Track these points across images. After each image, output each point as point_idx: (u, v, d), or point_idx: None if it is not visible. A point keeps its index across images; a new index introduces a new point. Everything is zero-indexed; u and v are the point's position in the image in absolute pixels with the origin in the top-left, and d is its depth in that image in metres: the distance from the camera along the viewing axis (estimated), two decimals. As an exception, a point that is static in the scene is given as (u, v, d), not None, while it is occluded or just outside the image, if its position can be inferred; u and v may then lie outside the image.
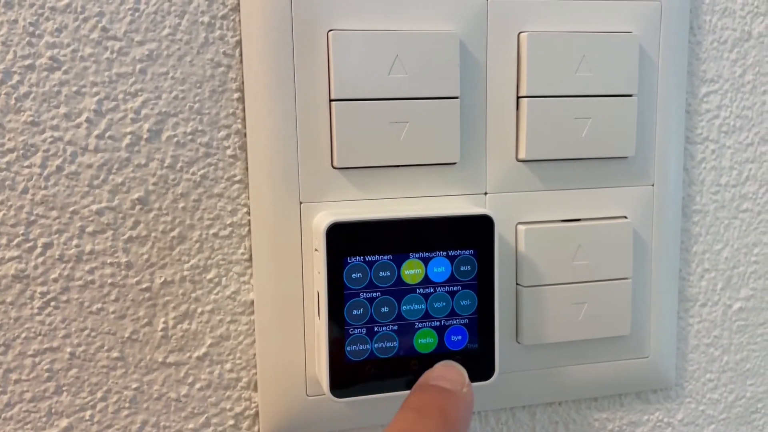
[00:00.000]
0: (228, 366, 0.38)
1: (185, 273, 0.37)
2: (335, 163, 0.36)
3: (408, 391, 0.35)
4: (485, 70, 0.37)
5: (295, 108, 0.35)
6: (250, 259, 0.37)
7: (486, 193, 0.38)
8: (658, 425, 0.46)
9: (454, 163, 0.38)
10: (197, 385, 0.38)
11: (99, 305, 0.36)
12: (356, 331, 0.34)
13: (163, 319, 0.37)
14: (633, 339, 0.42)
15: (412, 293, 0.34)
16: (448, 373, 0.33)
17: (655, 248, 0.42)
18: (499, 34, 0.37)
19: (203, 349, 0.38)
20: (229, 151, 0.36)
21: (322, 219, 0.34)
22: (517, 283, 0.39)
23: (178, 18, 0.35)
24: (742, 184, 0.45)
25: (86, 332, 0.36)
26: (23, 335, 0.35)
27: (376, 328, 0.34)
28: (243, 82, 0.36)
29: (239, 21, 0.36)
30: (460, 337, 0.35)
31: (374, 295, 0.34)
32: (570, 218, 0.40)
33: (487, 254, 0.35)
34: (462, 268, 0.35)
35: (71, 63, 0.34)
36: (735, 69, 0.44)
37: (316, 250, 0.35)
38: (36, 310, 0.35)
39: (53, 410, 0.36)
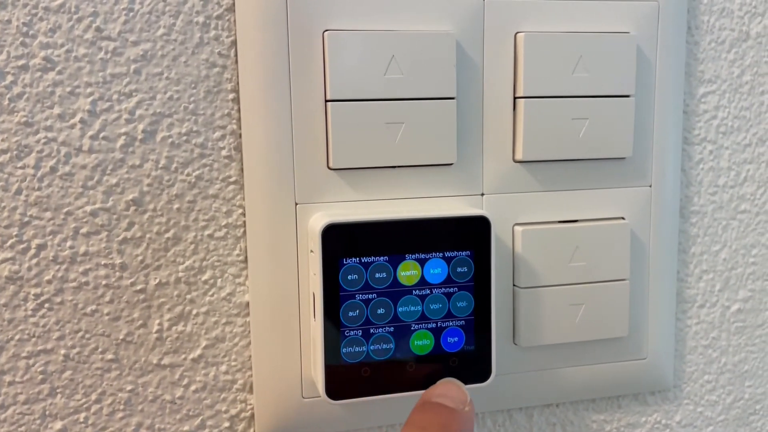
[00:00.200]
0: (223, 368, 0.38)
1: (180, 274, 0.37)
2: (331, 164, 0.36)
3: (407, 392, 0.35)
4: (482, 70, 0.37)
5: (290, 109, 0.35)
6: (245, 260, 0.37)
7: (483, 194, 0.38)
8: (656, 427, 0.46)
9: (451, 164, 0.37)
10: (192, 387, 0.38)
11: (93, 307, 0.36)
12: (352, 332, 0.34)
13: (157, 321, 0.37)
14: (631, 340, 0.42)
15: (409, 295, 0.34)
16: (449, 391, 0.33)
17: (652, 249, 0.42)
18: (495, 34, 0.37)
19: (198, 351, 0.37)
20: (224, 152, 0.36)
21: (318, 220, 0.34)
22: (514, 285, 0.39)
23: (173, 18, 0.35)
24: (740, 185, 0.45)
25: (80, 334, 0.36)
26: (17, 337, 0.35)
27: (372, 330, 0.34)
28: (238, 83, 0.36)
29: (234, 21, 0.35)
30: (456, 339, 0.35)
31: (370, 296, 0.34)
32: (567, 219, 0.40)
33: (484, 255, 0.35)
34: (458, 269, 0.35)
35: (65, 63, 0.34)
36: (733, 69, 0.44)
37: (311, 251, 0.35)
38: (30, 312, 0.35)
39: (47, 413, 0.36)
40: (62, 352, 0.36)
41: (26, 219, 0.34)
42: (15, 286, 0.35)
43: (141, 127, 0.35)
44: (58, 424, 0.36)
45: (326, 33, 0.35)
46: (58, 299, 0.35)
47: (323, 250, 0.33)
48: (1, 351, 0.35)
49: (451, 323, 0.35)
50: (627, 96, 0.39)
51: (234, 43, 0.36)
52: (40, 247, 0.35)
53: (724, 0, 0.43)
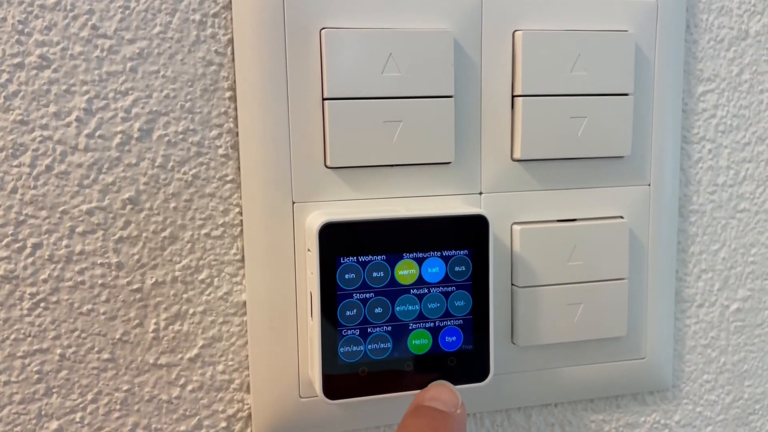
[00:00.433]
0: (220, 367, 0.38)
1: (177, 273, 0.36)
2: (328, 163, 0.35)
3: (404, 392, 0.34)
4: (480, 68, 0.37)
5: (287, 107, 0.35)
6: (242, 259, 0.37)
7: (481, 193, 0.38)
8: (655, 427, 0.46)
9: (449, 163, 0.37)
10: (189, 387, 0.37)
11: (89, 306, 0.35)
12: (349, 332, 0.34)
13: (154, 321, 0.36)
14: (629, 340, 0.42)
15: (406, 294, 0.34)
16: (441, 395, 0.33)
17: (651, 248, 0.41)
18: (493, 32, 0.37)
19: (195, 351, 0.37)
20: (220, 151, 0.36)
21: (315, 219, 0.34)
22: (512, 284, 0.39)
23: (169, 16, 0.35)
24: (740, 184, 0.45)
25: (76, 333, 0.36)
26: (12, 336, 0.35)
27: (369, 329, 0.34)
28: (235, 81, 0.35)
29: (231, 19, 0.35)
30: (454, 338, 0.35)
31: (368, 295, 0.34)
32: (566, 218, 0.39)
33: (482, 254, 0.35)
34: (456, 268, 0.35)
35: (61, 61, 0.34)
36: (732, 68, 0.43)
37: (308, 250, 0.35)
38: (25, 311, 0.35)
39: (43, 412, 0.36)
40: (58, 351, 0.35)
41: (22, 218, 0.34)
42: (10, 285, 0.34)
43: (137, 125, 0.35)
44: (54, 424, 0.36)
45: (323, 31, 0.34)
46: (54, 298, 0.35)
47: (320, 249, 0.33)
48: (-4, 350, 0.35)
49: (449, 323, 0.35)
50: (625, 94, 0.39)
51: (231, 41, 0.35)
52: (36, 246, 0.34)
53: (723, -2, 0.43)
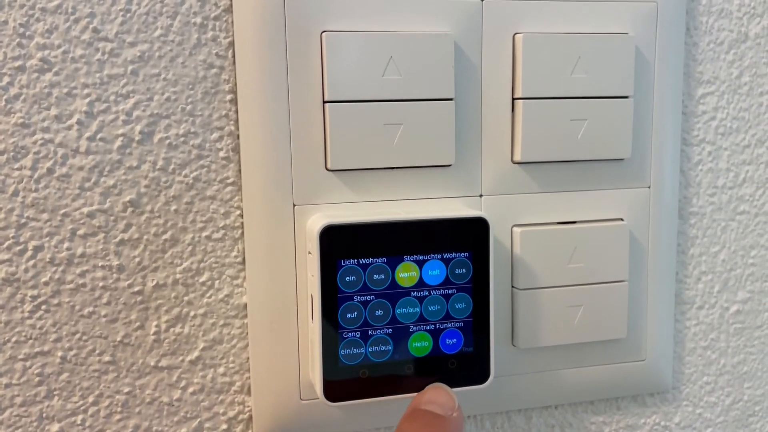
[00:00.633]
0: (221, 370, 0.38)
1: (178, 276, 0.36)
2: (329, 165, 0.35)
3: (405, 394, 0.35)
4: (480, 71, 0.37)
5: (288, 110, 0.35)
6: (243, 262, 0.37)
7: (481, 196, 0.38)
8: (655, 428, 0.46)
9: (449, 165, 0.37)
10: (190, 389, 0.38)
11: (90, 309, 0.36)
12: (350, 334, 0.34)
13: (155, 323, 0.36)
14: (629, 342, 0.42)
15: (407, 296, 0.34)
16: (438, 397, 0.33)
17: (651, 251, 0.41)
18: (494, 35, 0.37)
19: (196, 353, 0.37)
20: (221, 153, 0.36)
21: (316, 221, 0.34)
22: (512, 286, 0.39)
23: (170, 19, 0.35)
24: (739, 186, 0.45)
25: (77, 336, 0.36)
26: (14, 339, 0.35)
27: (370, 332, 0.34)
28: (236, 84, 0.36)
29: (232, 22, 0.35)
30: (455, 341, 0.35)
31: (368, 298, 0.34)
32: (566, 220, 0.39)
33: (483, 257, 0.35)
34: (457, 270, 0.35)
35: (62, 64, 0.34)
36: (732, 70, 0.43)
37: (309, 252, 0.35)
38: (27, 314, 0.35)
39: (44, 415, 0.36)
40: (59, 354, 0.36)
41: (23, 220, 0.34)
42: (12, 287, 0.34)
43: (138, 128, 0.35)
44: (55, 427, 0.36)
45: (324, 34, 0.34)
46: (55, 301, 0.35)
47: (321, 252, 0.33)
48: (-3, 353, 0.35)
49: (449, 325, 0.35)
50: (626, 97, 0.39)
51: (232, 44, 0.35)
52: (37, 249, 0.34)
53: (722, 1, 0.43)
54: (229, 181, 0.36)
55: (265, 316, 0.36)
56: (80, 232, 0.35)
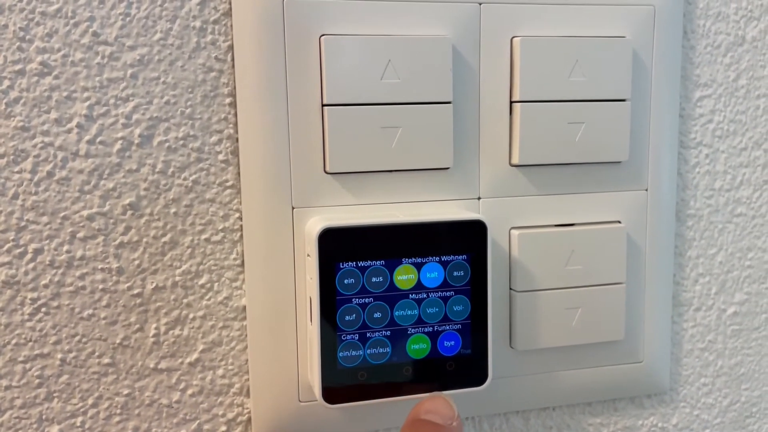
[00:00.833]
0: (220, 372, 0.38)
1: (177, 278, 0.37)
2: (328, 168, 0.36)
3: (403, 397, 0.35)
4: (478, 74, 0.37)
5: (287, 113, 0.35)
6: (242, 264, 0.37)
7: (479, 198, 0.38)
8: (653, 430, 0.46)
9: (447, 168, 0.37)
10: (189, 391, 0.38)
11: (90, 311, 0.36)
12: (349, 336, 0.34)
13: (154, 325, 0.37)
14: (627, 344, 0.42)
15: (405, 299, 0.34)
16: (437, 407, 0.33)
17: (648, 253, 0.42)
18: (492, 38, 0.37)
19: (195, 355, 0.37)
20: (221, 156, 0.36)
21: (315, 224, 0.34)
22: (510, 288, 0.39)
23: (170, 23, 0.35)
24: (736, 189, 0.45)
25: (77, 338, 0.36)
26: (14, 341, 0.35)
27: (368, 334, 0.34)
28: (235, 87, 0.36)
29: (231, 26, 0.35)
30: (453, 343, 0.35)
31: (367, 300, 0.34)
32: (563, 223, 0.40)
33: (481, 259, 0.35)
34: (455, 273, 0.35)
35: (62, 68, 0.34)
36: (729, 73, 0.44)
37: (308, 255, 0.35)
38: (27, 316, 0.35)
39: (44, 417, 0.36)
40: (59, 356, 0.36)
41: (23, 223, 0.34)
42: (12, 290, 0.35)
43: (138, 131, 0.35)
44: (55, 429, 0.36)
45: (323, 38, 0.35)
46: (55, 303, 0.35)
47: (320, 254, 0.33)
48: (-3, 355, 0.35)
49: (447, 327, 0.35)
50: (623, 100, 0.39)
51: (231, 47, 0.36)
52: (37, 252, 0.35)
53: (719, 4, 0.43)
54: (228, 184, 0.37)
55: (264, 318, 0.37)
56: (80, 234, 0.35)
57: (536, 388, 0.41)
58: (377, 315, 0.34)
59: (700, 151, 0.44)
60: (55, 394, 0.36)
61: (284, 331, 0.37)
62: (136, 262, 0.36)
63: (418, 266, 0.34)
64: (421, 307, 0.35)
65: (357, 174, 0.36)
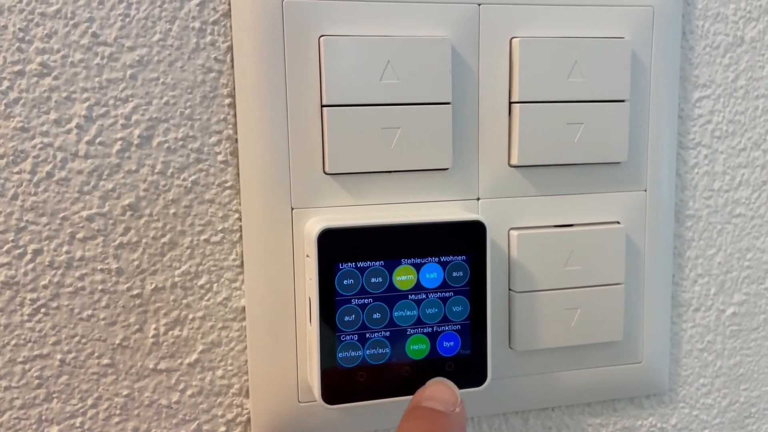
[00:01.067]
0: (219, 372, 0.38)
1: (176, 279, 0.37)
2: (327, 169, 0.36)
3: (403, 397, 0.35)
4: (477, 75, 0.37)
5: (286, 113, 0.35)
6: (241, 265, 0.37)
7: (478, 199, 0.38)
8: (652, 430, 0.46)
9: (447, 169, 0.37)
10: (188, 392, 0.38)
11: (89, 312, 0.36)
12: (348, 337, 0.34)
13: (154, 326, 0.37)
14: (626, 344, 0.42)
15: (404, 299, 0.34)
16: (439, 394, 0.32)
17: (648, 253, 0.42)
18: (491, 39, 0.37)
19: (194, 356, 0.37)
20: (220, 157, 0.36)
21: (314, 225, 0.34)
22: (509, 289, 0.39)
23: (169, 23, 0.35)
24: (735, 189, 0.45)
25: (76, 339, 0.36)
26: (13, 342, 0.35)
27: (368, 335, 0.34)
28: (234, 88, 0.36)
29: (230, 26, 0.35)
30: (452, 343, 0.35)
31: (366, 301, 0.34)
32: (562, 224, 0.40)
33: (480, 260, 0.35)
34: (454, 274, 0.35)
35: (61, 69, 0.34)
36: (728, 74, 0.44)
37: (307, 256, 0.35)
38: (26, 317, 0.35)
39: (43, 417, 0.36)
40: (58, 356, 0.36)
41: (22, 224, 0.34)
42: (11, 291, 0.35)
43: (137, 132, 0.35)
44: (54, 429, 0.36)
45: (322, 38, 0.35)
46: (54, 304, 0.35)
47: (319, 255, 0.33)
48: (-3, 356, 0.35)
49: (446, 328, 0.35)
50: (622, 101, 0.39)
51: (230, 48, 0.36)
52: (36, 252, 0.35)
53: (718, 5, 0.43)
54: (227, 184, 0.37)
55: (263, 319, 0.37)
56: (79, 235, 0.35)
57: (535, 388, 0.41)
58: (376, 315, 0.34)
59: (699, 151, 0.44)
60: (54, 395, 0.36)
61: (283, 331, 0.37)
62: (136, 263, 0.36)
63: (418, 267, 0.34)
64: (420, 308, 0.35)
65: (356, 174, 0.36)
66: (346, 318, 0.34)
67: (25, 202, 0.34)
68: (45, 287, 0.35)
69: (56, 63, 0.34)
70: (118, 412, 0.37)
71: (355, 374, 0.34)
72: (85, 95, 0.34)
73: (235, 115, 0.36)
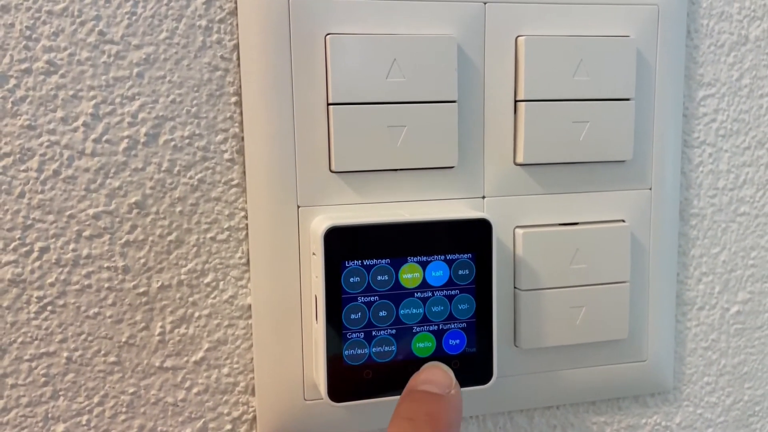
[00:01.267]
0: (225, 370, 0.38)
1: (182, 277, 0.37)
2: (333, 167, 0.36)
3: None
4: (483, 73, 0.37)
5: (292, 112, 0.35)
6: (247, 263, 0.37)
7: (484, 197, 0.38)
8: (656, 429, 0.46)
9: (452, 167, 0.37)
10: (194, 390, 0.38)
11: (96, 309, 0.36)
12: (354, 335, 0.34)
13: (160, 324, 0.37)
14: (631, 342, 0.42)
15: (410, 297, 0.34)
16: (434, 376, 0.33)
17: (652, 252, 0.42)
18: (496, 37, 0.37)
19: (200, 354, 0.37)
20: (226, 155, 0.36)
21: (320, 223, 0.34)
22: (515, 287, 0.39)
23: (176, 22, 0.35)
24: (740, 188, 0.45)
25: (83, 337, 0.36)
26: (20, 340, 0.35)
27: (374, 333, 0.34)
28: (240, 86, 0.36)
29: (237, 25, 0.35)
30: (458, 341, 0.35)
31: (372, 299, 0.34)
32: (568, 222, 0.40)
33: (485, 258, 0.35)
34: (460, 272, 0.35)
35: (68, 67, 0.34)
36: (732, 73, 0.44)
37: (313, 254, 0.35)
38: (32, 315, 0.35)
39: (50, 415, 0.36)
40: (65, 354, 0.36)
41: (29, 222, 0.34)
42: (18, 288, 0.35)
43: (144, 130, 0.35)
44: (61, 427, 0.36)
45: (328, 37, 0.35)
46: (61, 302, 0.35)
47: (325, 253, 0.33)
48: (3, 354, 0.35)
49: (452, 326, 0.35)
50: (627, 99, 0.39)
51: (236, 46, 0.36)
52: (43, 250, 0.35)
53: (723, 4, 0.43)
54: (233, 182, 0.37)
55: (269, 316, 0.37)
56: (86, 233, 0.35)
57: (540, 386, 0.41)
58: (383, 313, 0.34)
59: (704, 150, 0.44)
60: (60, 393, 0.36)
61: (289, 329, 0.37)
62: (142, 261, 0.36)
63: (424, 265, 0.34)
64: (426, 306, 0.35)
65: (362, 173, 0.36)
66: (353, 316, 0.34)
67: (32, 200, 0.34)
68: (51, 285, 0.35)
69: (63, 61, 0.34)
70: (124, 409, 0.37)
71: (361, 372, 0.34)
72: (91, 93, 0.34)
73: (241, 113, 0.36)
